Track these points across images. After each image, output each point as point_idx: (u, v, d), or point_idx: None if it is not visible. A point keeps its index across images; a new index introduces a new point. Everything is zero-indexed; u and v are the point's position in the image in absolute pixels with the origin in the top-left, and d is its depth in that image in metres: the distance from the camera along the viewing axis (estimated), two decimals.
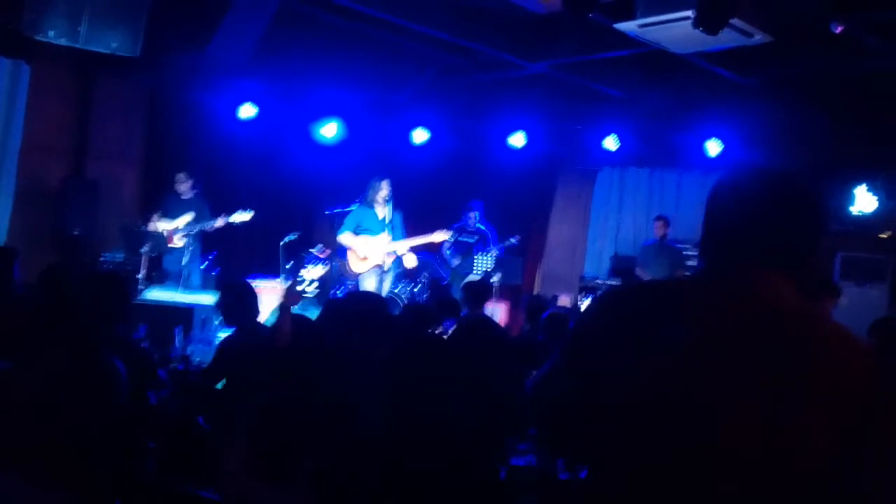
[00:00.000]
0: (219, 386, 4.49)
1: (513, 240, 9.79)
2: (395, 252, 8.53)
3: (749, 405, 1.40)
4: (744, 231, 1.57)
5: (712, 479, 1.40)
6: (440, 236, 9.00)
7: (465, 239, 9.87)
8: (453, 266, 9.76)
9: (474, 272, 9.30)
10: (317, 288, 9.04)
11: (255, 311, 4.72)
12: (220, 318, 5.70)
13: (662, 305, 1.58)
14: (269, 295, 8.07)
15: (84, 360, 2.87)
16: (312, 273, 9.09)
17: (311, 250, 9.37)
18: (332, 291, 8.92)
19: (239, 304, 4.62)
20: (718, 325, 1.48)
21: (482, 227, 9.95)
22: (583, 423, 1.62)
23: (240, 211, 8.46)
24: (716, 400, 1.42)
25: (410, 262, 8.67)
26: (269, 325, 5.01)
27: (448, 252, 9.86)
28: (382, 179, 8.43)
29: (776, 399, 1.38)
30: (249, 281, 5.35)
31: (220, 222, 8.47)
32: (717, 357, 1.45)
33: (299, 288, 8.77)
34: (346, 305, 3.73)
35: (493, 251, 9.65)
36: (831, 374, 1.40)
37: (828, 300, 5.22)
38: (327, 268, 9.19)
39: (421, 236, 8.76)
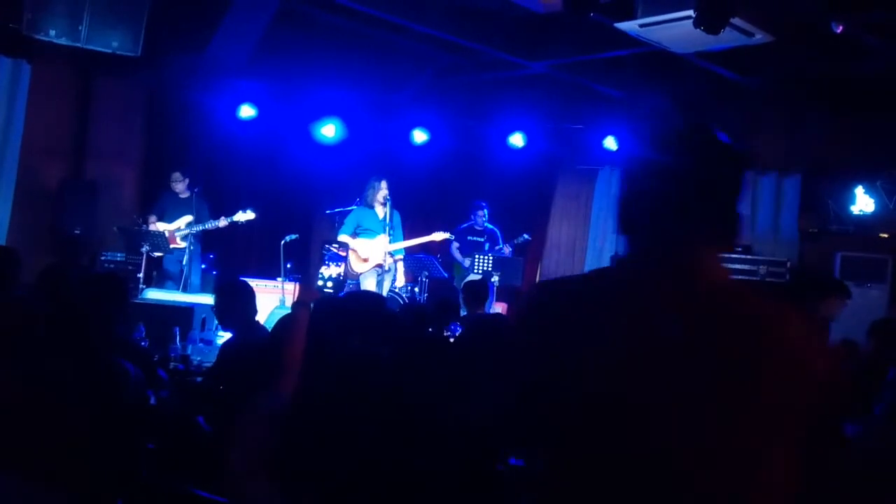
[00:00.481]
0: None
1: (526, 236, 9.75)
2: (393, 253, 8.55)
3: (712, 402, 1.36)
4: (672, 202, 1.45)
5: (681, 475, 1.36)
6: (439, 236, 8.99)
7: (474, 238, 9.82)
8: (466, 266, 9.66)
9: (474, 272, 9.29)
10: (331, 286, 9.03)
11: (252, 309, 4.60)
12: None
13: (603, 299, 1.47)
14: (267, 295, 8.08)
15: (85, 360, 2.87)
16: (331, 270, 9.08)
17: (330, 247, 9.33)
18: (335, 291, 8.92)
19: (233, 304, 4.50)
20: (670, 318, 1.40)
21: (489, 226, 9.92)
22: (560, 433, 1.50)
23: (241, 211, 8.45)
24: (678, 398, 1.37)
25: (402, 280, 8.71)
26: (268, 326, 4.99)
27: (458, 252, 9.81)
28: (381, 179, 8.43)
29: (741, 394, 1.36)
30: (247, 280, 5.31)
31: (222, 222, 8.45)
32: (675, 351, 1.38)
33: (319, 283, 8.77)
34: (346, 304, 3.71)
35: (504, 249, 9.61)
36: (798, 373, 1.38)
37: (836, 300, 5.21)
38: (341, 267, 9.15)
39: (420, 237, 8.76)
